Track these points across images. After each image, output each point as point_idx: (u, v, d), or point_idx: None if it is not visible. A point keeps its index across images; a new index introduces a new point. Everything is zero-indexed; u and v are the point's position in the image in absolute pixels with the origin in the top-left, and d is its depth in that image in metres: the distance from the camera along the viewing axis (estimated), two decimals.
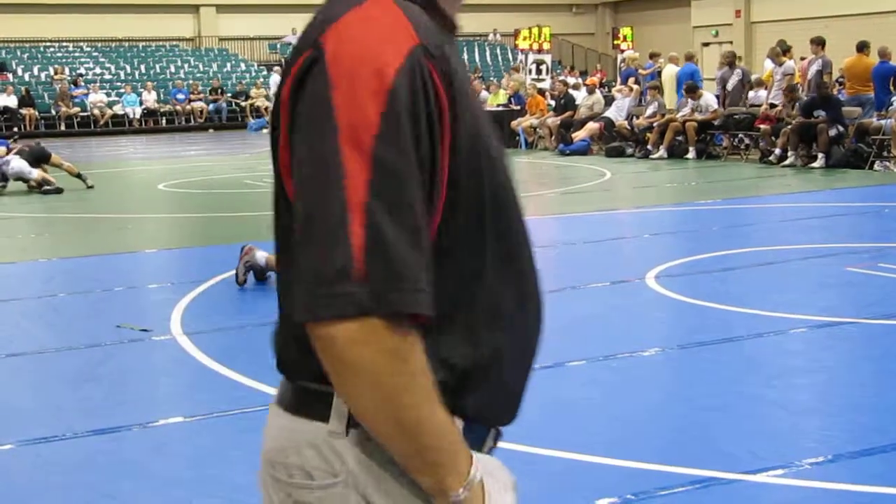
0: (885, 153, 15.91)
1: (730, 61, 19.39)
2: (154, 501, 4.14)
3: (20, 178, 15.34)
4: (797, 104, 16.94)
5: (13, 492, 4.27)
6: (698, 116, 18.42)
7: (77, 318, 7.47)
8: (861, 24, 28.51)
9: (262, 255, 8.08)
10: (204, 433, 4.98)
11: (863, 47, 17.60)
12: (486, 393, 1.57)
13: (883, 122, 16.07)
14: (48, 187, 15.29)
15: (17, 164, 15.27)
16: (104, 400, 5.50)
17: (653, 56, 23.50)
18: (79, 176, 15.87)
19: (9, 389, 5.83)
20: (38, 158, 15.95)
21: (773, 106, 17.96)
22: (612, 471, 4.29)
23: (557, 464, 4.38)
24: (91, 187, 15.69)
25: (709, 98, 18.69)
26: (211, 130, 32.21)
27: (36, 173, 15.41)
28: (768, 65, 19.48)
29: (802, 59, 18.62)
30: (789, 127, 16.71)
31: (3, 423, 5.14)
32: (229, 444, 4.77)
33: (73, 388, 5.74)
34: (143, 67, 35.10)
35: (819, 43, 18.00)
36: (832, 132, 16.11)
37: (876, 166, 15.71)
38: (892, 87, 17.01)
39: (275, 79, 32.33)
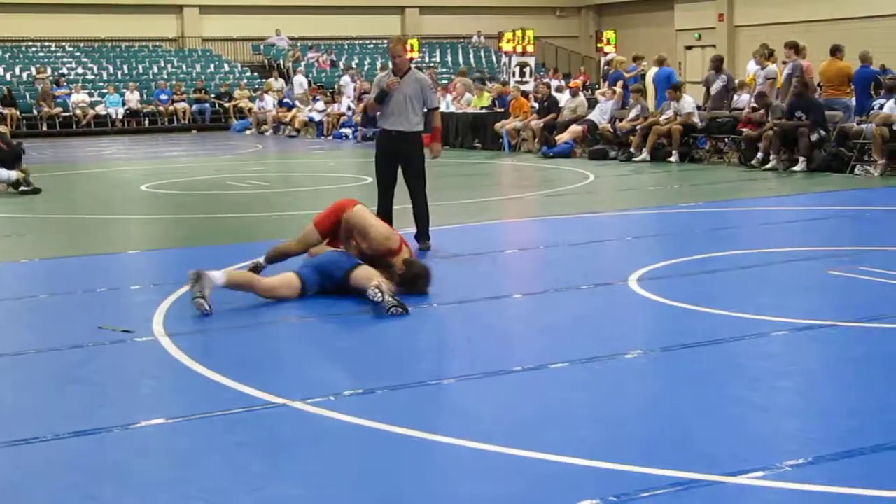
0: (865, 157, 15.99)
1: (716, 66, 19.46)
2: (136, 503, 4.13)
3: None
4: (769, 108, 17.02)
5: None
6: (678, 119, 18.50)
7: (59, 320, 7.44)
8: (843, 29, 28.64)
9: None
10: (185, 435, 4.96)
11: (836, 51, 17.69)
12: None
13: (864, 126, 16.15)
14: (26, 187, 15.13)
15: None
16: (86, 401, 5.48)
17: (636, 59, 23.56)
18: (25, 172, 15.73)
19: None
20: (16, 157, 15.83)
21: (755, 109, 18.03)
22: (594, 473, 4.30)
23: (539, 466, 4.39)
24: (35, 191, 15.37)
25: (686, 101, 18.77)
26: (194, 131, 32.13)
27: (14, 174, 15.29)
28: (751, 68, 19.57)
29: (784, 62, 18.71)
30: (771, 131, 16.79)
31: None
32: (211, 446, 4.76)
33: (54, 390, 5.72)
34: (125, 68, 34.99)
35: (792, 47, 18.08)
36: (814, 136, 16.19)
37: (857, 170, 15.79)
38: (872, 92, 17.11)
39: (299, 79, 32.12)
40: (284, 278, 7.65)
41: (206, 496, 4.16)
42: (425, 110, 10.01)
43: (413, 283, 7.74)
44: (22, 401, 5.58)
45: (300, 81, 31.89)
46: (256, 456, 4.58)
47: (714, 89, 19.13)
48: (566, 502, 3.98)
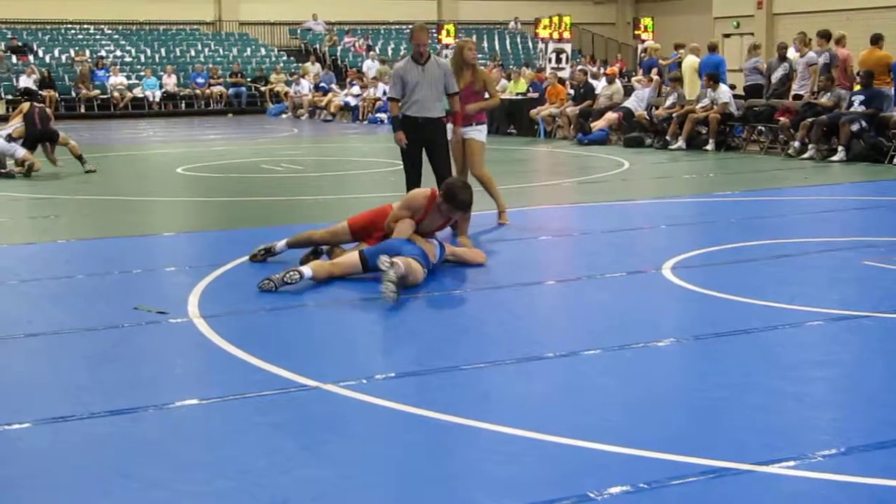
0: None
1: (781, 54, 19.27)
2: (169, 482, 4.17)
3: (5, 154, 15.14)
4: (833, 95, 16.81)
5: (29, 470, 4.32)
6: (714, 109, 18.37)
7: (95, 300, 7.51)
8: (883, 18, 28.32)
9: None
10: (219, 415, 5.01)
11: (876, 40, 17.51)
12: None
13: None
14: (4, 170, 15.01)
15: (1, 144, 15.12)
16: (121, 381, 5.54)
17: (677, 47, 23.41)
18: (80, 157, 15.78)
19: (27, 369, 5.87)
20: (44, 138, 15.78)
21: (797, 97, 17.92)
22: (626, 459, 4.31)
23: (571, 451, 4.40)
24: (90, 171, 15.52)
25: (723, 90, 18.60)
26: (230, 115, 32.28)
27: (21, 152, 15.13)
28: (791, 54, 19.42)
29: (816, 52, 18.54)
30: (810, 120, 16.65)
31: (21, 402, 5.19)
32: (244, 427, 4.80)
33: (90, 369, 5.79)
34: (163, 51, 35.19)
35: (824, 36, 17.95)
36: (854, 127, 16.03)
37: (895, 160, 15.64)
38: None
39: (368, 63, 32.18)
40: (352, 264, 7.77)
41: (239, 476, 4.20)
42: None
43: (454, 194, 8.21)
44: (59, 379, 5.65)
45: (370, 65, 31.88)
46: (290, 437, 4.62)
47: (775, 77, 18.97)
48: (597, 488, 3.99)
